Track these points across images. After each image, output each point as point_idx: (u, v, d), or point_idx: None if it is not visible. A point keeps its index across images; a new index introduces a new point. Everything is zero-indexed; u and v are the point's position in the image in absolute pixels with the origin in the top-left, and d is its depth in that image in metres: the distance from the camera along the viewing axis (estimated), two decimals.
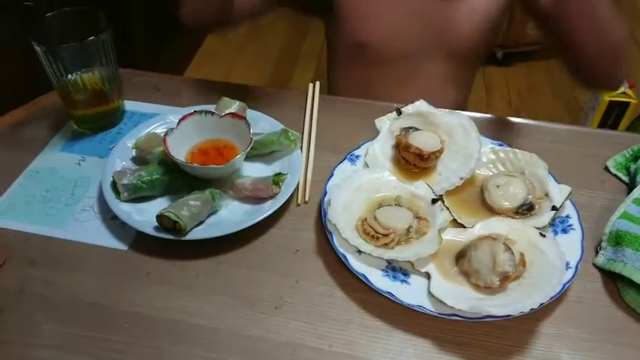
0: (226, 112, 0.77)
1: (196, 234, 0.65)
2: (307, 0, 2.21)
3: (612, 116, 1.93)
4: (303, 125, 0.84)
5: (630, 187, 0.75)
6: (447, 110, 0.78)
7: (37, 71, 0.92)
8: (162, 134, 0.72)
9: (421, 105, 0.79)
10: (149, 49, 2.11)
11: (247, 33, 2.78)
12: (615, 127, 1.95)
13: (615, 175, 0.78)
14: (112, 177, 0.70)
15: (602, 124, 1.96)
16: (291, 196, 0.71)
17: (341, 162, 0.75)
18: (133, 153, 0.76)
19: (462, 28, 0.91)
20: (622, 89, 1.90)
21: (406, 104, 0.80)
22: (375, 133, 0.79)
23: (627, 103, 1.89)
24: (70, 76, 0.78)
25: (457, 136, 0.75)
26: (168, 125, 0.80)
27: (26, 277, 0.63)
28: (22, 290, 0.62)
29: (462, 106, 1.04)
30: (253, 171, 0.74)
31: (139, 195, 0.69)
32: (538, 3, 0.79)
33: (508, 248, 0.60)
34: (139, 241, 0.67)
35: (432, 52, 0.94)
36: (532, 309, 0.55)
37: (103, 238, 0.68)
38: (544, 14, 0.79)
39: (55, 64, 0.76)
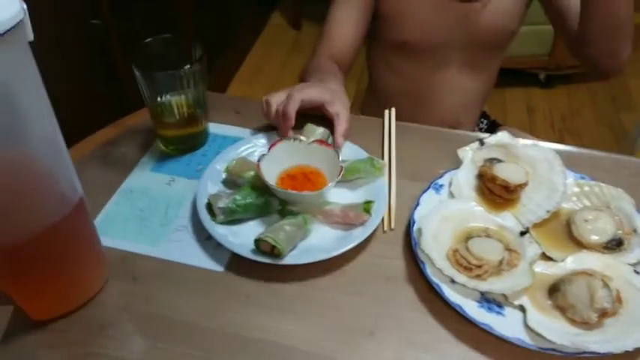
0: (312, 139, 0.79)
1: (292, 259, 0.67)
2: None
3: None
4: (382, 152, 0.86)
5: None
6: (530, 143, 0.79)
7: (117, 92, 0.95)
8: (256, 160, 0.74)
9: (503, 136, 0.80)
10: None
11: (289, 49, 2.83)
12: None
13: None
14: (208, 199, 0.72)
15: None
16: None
17: (425, 191, 0.76)
18: (223, 176, 0.79)
19: (488, 22, 1.02)
20: None
21: (488, 134, 0.81)
22: (454, 161, 0.81)
23: None
24: (161, 98, 0.82)
25: (540, 168, 0.77)
26: (254, 149, 0.83)
27: (129, 293, 0.66)
28: (125, 307, 0.65)
29: (484, 95, 1.17)
30: (338, 197, 0.76)
31: (233, 218, 0.72)
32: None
33: (606, 285, 0.60)
34: (235, 263, 0.69)
35: (461, 44, 1.06)
36: (636, 348, 0.56)
37: (198, 258, 0.70)
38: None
39: (150, 87, 0.79)
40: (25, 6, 0.47)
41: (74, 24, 1.47)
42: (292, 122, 0.80)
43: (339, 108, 0.82)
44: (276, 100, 0.84)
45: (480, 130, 1.25)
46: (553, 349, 0.58)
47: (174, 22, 1.92)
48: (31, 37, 0.48)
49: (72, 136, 0.86)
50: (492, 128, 1.25)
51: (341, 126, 0.81)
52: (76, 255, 0.61)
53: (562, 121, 2.41)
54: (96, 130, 0.91)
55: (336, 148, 0.79)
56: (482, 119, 1.27)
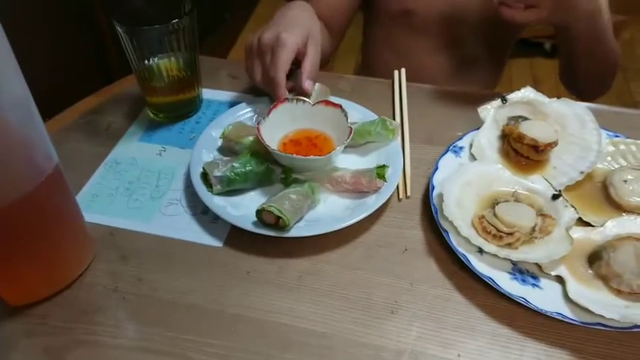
0: (316, 100, 0.71)
1: (298, 231, 0.60)
2: None
3: None
4: (394, 115, 0.78)
5: None
6: (558, 99, 0.72)
7: (103, 63, 0.87)
8: (255, 123, 0.67)
9: (528, 92, 0.72)
10: None
11: None
12: None
13: None
14: (203, 168, 0.65)
15: None
16: None
17: (444, 154, 0.69)
18: (219, 143, 0.71)
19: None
20: None
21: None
22: (472, 122, 0.73)
23: None
24: (149, 61, 0.74)
25: (571, 126, 0.69)
26: (253, 113, 0.76)
27: (118, 274, 0.59)
28: (115, 289, 0.58)
29: (495, 81, 1.06)
30: (348, 163, 0.69)
31: (231, 188, 0.64)
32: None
33: None
34: (235, 238, 0.62)
35: (473, 23, 0.93)
36: None
37: (194, 233, 0.63)
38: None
39: (136, 47, 0.71)
40: None
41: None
42: (284, 90, 0.69)
43: (308, 45, 0.71)
44: (258, 60, 0.72)
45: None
46: (599, 324, 0.51)
47: None
48: None
49: (54, 107, 0.78)
50: None
51: (306, 66, 0.71)
52: (55, 230, 0.54)
53: (569, 92, 2.33)
54: (80, 99, 0.83)
55: (300, 92, 0.71)
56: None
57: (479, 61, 1.00)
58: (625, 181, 0.63)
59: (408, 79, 0.84)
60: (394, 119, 0.77)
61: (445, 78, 1.00)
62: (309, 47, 0.72)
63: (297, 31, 0.70)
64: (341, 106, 0.69)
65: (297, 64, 0.72)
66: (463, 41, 0.96)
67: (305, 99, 0.71)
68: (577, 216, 0.60)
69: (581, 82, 0.92)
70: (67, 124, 0.78)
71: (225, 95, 0.83)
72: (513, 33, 1.01)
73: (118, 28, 0.69)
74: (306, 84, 0.71)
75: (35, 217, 0.51)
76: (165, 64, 0.75)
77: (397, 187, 0.67)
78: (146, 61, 0.74)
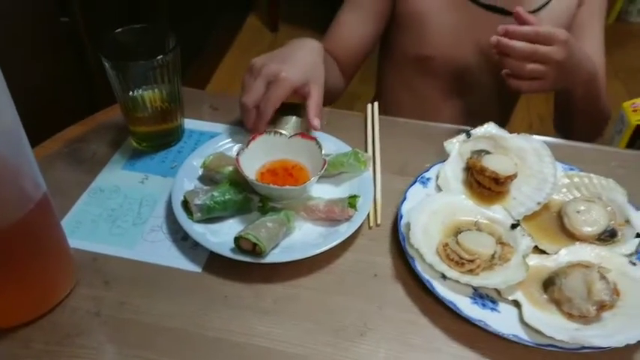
0: (292, 132, 0.76)
1: (274, 257, 0.64)
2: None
3: (639, 140, 1.92)
4: (366, 146, 0.83)
5: None
6: (518, 134, 0.77)
7: (87, 91, 0.89)
8: (235, 154, 0.71)
9: (491, 128, 0.78)
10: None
11: (266, 51, 2.79)
12: None
13: None
14: (184, 196, 0.68)
15: (629, 147, 1.95)
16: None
17: (412, 184, 0.74)
18: (200, 172, 0.75)
19: None
20: None
21: (471, 127, 0.79)
22: (439, 154, 0.78)
23: None
24: (134, 92, 0.77)
25: (529, 160, 0.74)
26: (232, 144, 0.79)
27: (101, 298, 0.62)
28: (98, 313, 0.60)
29: (506, 120, 1.09)
30: (322, 192, 0.73)
31: (211, 216, 0.68)
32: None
33: (603, 277, 0.58)
34: (213, 263, 0.65)
35: (492, 70, 0.95)
36: (639, 340, 0.53)
37: (175, 259, 0.66)
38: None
39: (121, 80, 0.75)
40: None
41: (43, 22, 1.42)
42: (265, 125, 0.75)
43: (311, 87, 0.75)
44: (255, 84, 0.75)
45: None
46: (551, 345, 0.55)
47: (148, 22, 1.87)
48: None
49: (41, 135, 0.81)
50: None
51: (311, 106, 0.75)
52: (40, 255, 0.56)
53: (540, 123, 2.42)
54: (65, 127, 0.86)
55: (311, 130, 0.75)
56: None
57: (493, 102, 1.02)
58: (578, 212, 0.68)
59: (421, 119, 0.88)
60: (367, 151, 0.82)
61: (458, 118, 1.02)
62: (312, 89, 0.75)
63: (299, 73, 0.74)
64: (316, 139, 0.73)
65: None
66: (479, 86, 0.99)
67: (282, 131, 0.75)
68: (533, 244, 0.64)
69: (575, 133, 0.98)
70: (53, 151, 0.80)
71: (206, 125, 0.86)
72: None
73: (105, 63, 0.73)
74: (315, 122, 0.75)
75: (23, 244, 0.54)
76: (149, 95, 0.78)
77: (368, 215, 0.71)
78: (131, 93, 0.77)
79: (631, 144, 2.00)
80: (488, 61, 0.95)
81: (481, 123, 0.79)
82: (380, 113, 0.87)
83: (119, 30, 0.76)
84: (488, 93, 1.00)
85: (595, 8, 0.97)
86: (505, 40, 0.75)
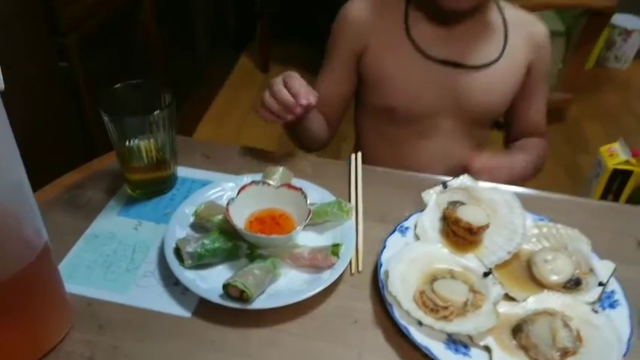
0: (280, 183, 0.80)
1: (260, 303, 0.67)
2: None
3: (616, 184, 1.99)
4: (349, 195, 0.88)
5: None
6: (490, 186, 0.82)
7: (85, 135, 0.92)
8: (225, 203, 0.75)
9: (466, 180, 0.83)
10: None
11: (257, 91, 2.87)
12: (619, 194, 2.01)
13: None
14: (176, 244, 0.72)
15: (606, 191, 2.02)
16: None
17: (392, 233, 0.78)
18: (191, 220, 0.79)
19: (476, 96, 1.02)
20: (626, 158, 1.97)
21: (451, 177, 0.84)
22: (418, 203, 0.83)
23: (631, 172, 1.95)
24: (130, 142, 0.82)
25: (501, 211, 0.79)
26: (223, 192, 0.84)
27: (95, 343, 0.65)
28: (91, 358, 0.63)
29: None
30: (307, 240, 0.77)
31: (201, 262, 0.72)
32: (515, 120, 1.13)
33: (566, 324, 0.62)
34: (202, 309, 0.69)
35: (450, 113, 1.04)
36: None
37: (166, 304, 0.70)
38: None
39: (119, 132, 0.79)
40: None
41: (41, 66, 1.47)
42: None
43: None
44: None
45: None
46: None
47: (142, 64, 1.93)
48: (1, 86, 0.49)
49: (38, 180, 0.85)
50: None
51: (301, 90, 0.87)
52: (38, 303, 0.60)
53: None
54: (63, 173, 0.90)
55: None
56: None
57: (458, 144, 1.09)
58: (545, 261, 0.72)
59: (395, 163, 0.97)
60: (350, 199, 0.87)
61: (427, 161, 1.09)
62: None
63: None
64: (301, 190, 0.78)
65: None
66: (442, 129, 1.07)
67: (270, 182, 0.80)
68: (504, 292, 0.69)
69: None
70: (52, 197, 0.84)
71: (197, 173, 0.91)
72: (488, 122, 1.12)
73: (104, 117, 0.78)
74: (303, 100, 0.85)
75: (23, 293, 0.57)
76: (144, 145, 0.83)
77: (350, 262, 0.76)
78: (127, 143, 0.82)
79: (608, 187, 2.07)
80: (447, 108, 1.04)
81: (451, 163, 0.85)
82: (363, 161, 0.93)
83: (118, 85, 0.81)
84: (452, 135, 1.07)
85: (541, 77, 1.09)
86: None
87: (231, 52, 3.06)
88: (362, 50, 1.03)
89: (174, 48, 2.19)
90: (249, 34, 3.30)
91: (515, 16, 1.04)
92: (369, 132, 1.15)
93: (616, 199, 2.07)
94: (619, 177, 1.99)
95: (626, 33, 3.12)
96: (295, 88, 0.85)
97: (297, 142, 1.08)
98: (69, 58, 1.49)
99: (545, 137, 1.18)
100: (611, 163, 1.97)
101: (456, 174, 0.94)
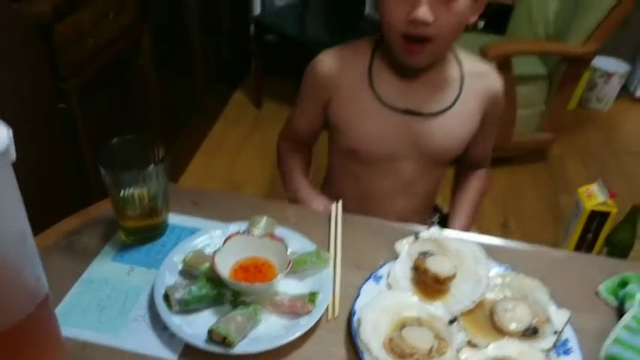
0: (264, 232, 0.87)
1: (241, 348, 0.73)
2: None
3: (594, 224, 2.06)
4: (329, 242, 0.94)
5: (619, 311, 0.85)
6: (458, 237, 0.89)
7: (81, 176, 0.98)
8: (211, 253, 0.81)
9: (436, 232, 0.90)
10: (162, 136, 2.24)
11: (251, 125, 2.95)
12: (597, 235, 2.08)
13: (606, 300, 0.88)
14: (166, 291, 0.78)
15: (585, 231, 2.09)
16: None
17: (366, 281, 0.84)
18: (180, 267, 0.85)
19: (434, 141, 1.11)
20: (603, 199, 2.05)
21: (425, 227, 0.91)
22: (393, 252, 0.90)
23: (608, 213, 2.03)
24: (125, 192, 0.88)
25: (467, 262, 0.86)
26: (210, 241, 0.90)
27: None
28: None
29: (433, 195, 1.29)
30: (287, 287, 0.83)
31: (188, 308, 0.77)
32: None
33: None
34: (188, 352, 0.74)
35: (410, 156, 1.14)
36: None
37: (155, 347, 0.75)
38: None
39: (115, 183, 0.86)
40: (10, 133, 0.54)
41: (41, 107, 1.54)
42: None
43: None
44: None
45: (433, 223, 1.32)
46: None
47: (140, 103, 2.00)
48: (13, 157, 0.55)
49: (34, 219, 0.91)
50: (444, 222, 1.32)
51: None
52: (37, 352, 0.65)
53: (506, 201, 2.56)
54: (59, 216, 0.96)
55: None
56: (435, 212, 1.36)
57: (419, 182, 1.18)
58: (506, 310, 0.79)
59: (359, 196, 1.07)
60: (329, 246, 0.93)
61: (391, 196, 1.19)
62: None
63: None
64: (282, 240, 0.84)
65: None
66: (404, 170, 1.16)
67: (254, 232, 0.86)
68: (467, 339, 0.75)
69: None
70: (49, 243, 0.90)
71: (187, 220, 0.97)
72: (443, 166, 1.22)
73: (102, 170, 0.84)
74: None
75: (22, 341, 0.62)
76: (138, 194, 0.89)
77: (327, 308, 0.81)
78: (122, 192, 0.88)
79: (586, 228, 2.15)
80: (407, 151, 1.13)
81: (412, 199, 1.06)
82: (329, 190, 1.01)
83: (114, 140, 0.88)
84: (412, 174, 1.17)
85: (493, 124, 1.20)
86: None
87: (227, 86, 3.16)
88: (328, 99, 1.13)
89: (172, 84, 2.27)
90: (245, 68, 3.40)
91: (473, 66, 1.13)
92: (337, 166, 1.25)
93: (594, 239, 2.14)
94: (597, 218, 2.07)
95: (607, 76, 3.24)
96: None
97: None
98: (68, 100, 1.56)
99: (487, 165, 1.31)
100: (589, 205, 2.05)
101: (416, 208, 1.05)
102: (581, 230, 2.07)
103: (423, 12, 0.92)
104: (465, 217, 1.21)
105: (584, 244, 2.12)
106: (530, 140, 2.71)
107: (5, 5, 1.37)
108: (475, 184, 1.27)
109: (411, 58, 1.01)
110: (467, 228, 1.18)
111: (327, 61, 1.12)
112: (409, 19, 0.94)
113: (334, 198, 1.24)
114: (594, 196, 2.08)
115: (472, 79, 1.11)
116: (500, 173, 2.73)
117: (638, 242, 2.19)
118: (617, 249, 2.04)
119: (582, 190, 2.13)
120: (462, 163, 1.29)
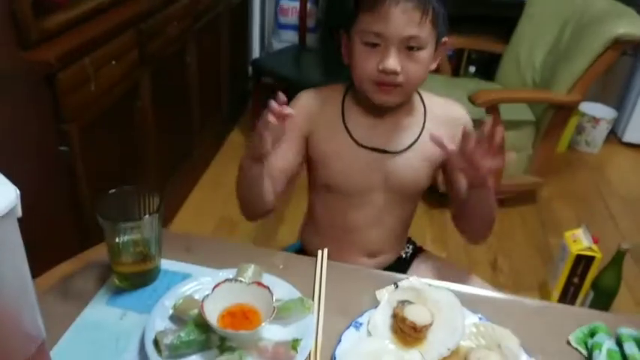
0: (251, 279, 0.92)
1: None
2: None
3: (580, 268, 2.11)
4: (314, 289, 0.98)
5: None
6: (436, 286, 0.94)
7: (79, 217, 1.01)
8: (200, 299, 0.86)
9: (414, 281, 0.95)
10: (160, 173, 2.30)
11: None
12: (583, 279, 2.12)
13: (577, 349, 0.92)
14: (155, 336, 0.82)
15: (572, 275, 2.14)
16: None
17: (347, 328, 0.89)
18: (170, 312, 0.89)
19: (402, 175, 1.20)
20: (588, 244, 2.10)
21: (405, 277, 0.96)
22: (374, 299, 0.94)
23: (593, 258, 2.08)
24: (120, 238, 0.93)
25: (444, 310, 0.90)
26: (200, 287, 0.94)
27: None
28: None
29: (406, 227, 1.34)
30: (272, 332, 0.87)
31: (177, 353, 0.81)
32: (456, 185, 1.20)
33: None
34: None
35: (381, 190, 1.22)
36: None
37: None
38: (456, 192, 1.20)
39: (112, 231, 0.91)
40: (18, 192, 0.59)
41: (43, 149, 1.60)
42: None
43: None
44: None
45: (406, 254, 1.38)
46: None
47: (137, 141, 2.06)
48: (19, 214, 0.60)
49: (35, 263, 0.95)
50: (416, 253, 1.39)
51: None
52: None
53: (496, 242, 2.61)
54: (59, 256, 1.01)
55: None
56: (408, 245, 1.41)
57: (391, 214, 1.26)
58: (479, 359, 0.83)
59: (334, 227, 1.13)
60: (314, 292, 0.97)
61: (366, 227, 1.25)
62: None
63: None
64: (268, 288, 0.89)
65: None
66: (375, 203, 1.24)
67: (242, 279, 0.91)
68: None
69: (471, 234, 1.26)
70: (46, 287, 0.95)
71: (179, 266, 1.02)
72: (412, 198, 1.29)
73: (99, 219, 0.89)
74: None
75: None
76: (133, 240, 0.94)
77: (310, 353, 0.85)
78: (117, 239, 0.93)
79: (573, 271, 2.19)
80: (377, 186, 1.21)
81: (383, 230, 1.14)
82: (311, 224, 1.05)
83: (112, 191, 0.93)
84: (384, 207, 1.24)
85: None
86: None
87: (224, 125, 3.23)
88: (309, 134, 1.21)
89: (170, 124, 2.34)
90: (242, 109, 3.49)
91: (436, 102, 1.23)
92: (315, 200, 1.33)
93: (581, 283, 2.18)
94: (583, 262, 2.12)
95: (595, 120, 3.33)
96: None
97: (245, 200, 1.18)
98: (69, 142, 1.62)
99: None
100: (575, 249, 2.10)
101: (389, 239, 1.15)
102: (567, 274, 2.12)
103: (391, 63, 1.03)
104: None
105: (571, 288, 2.17)
106: (519, 183, 2.78)
107: (12, 52, 1.45)
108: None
109: (384, 98, 1.11)
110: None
111: (309, 99, 1.22)
112: (379, 69, 1.05)
113: (315, 229, 1.34)
114: (579, 240, 2.13)
115: (434, 111, 1.21)
116: None
117: (625, 286, 2.23)
118: (604, 293, 2.08)
119: (568, 235, 2.18)
120: (455, 202, 1.27)
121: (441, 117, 1.21)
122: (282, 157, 1.21)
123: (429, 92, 1.23)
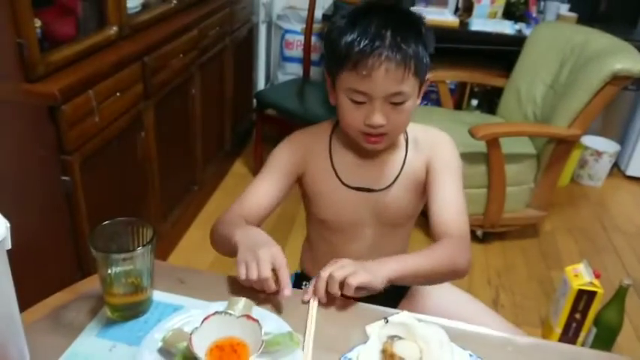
0: (241, 312, 0.92)
1: None
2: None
3: (582, 303, 2.09)
4: (305, 326, 0.98)
5: None
6: (425, 322, 0.94)
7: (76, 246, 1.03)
8: (190, 332, 0.86)
9: (405, 316, 0.94)
10: (161, 204, 2.32)
11: None
12: (585, 315, 2.10)
13: None
14: None
15: (574, 310, 2.11)
16: None
17: None
18: (159, 345, 0.89)
19: (389, 209, 1.25)
20: (589, 279, 2.08)
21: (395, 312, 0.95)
22: (364, 334, 0.94)
23: (594, 293, 2.06)
24: (112, 270, 0.94)
25: (433, 346, 0.90)
26: (190, 319, 0.95)
27: None
28: None
29: (402, 251, 1.34)
30: None
31: None
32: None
33: None
34: None
35: (371, 224, 1.28)
36: None
37: None
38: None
39: (105, 263, 0.92)
40: (8, 225, 0.61)
41: (46, 179, 1.62)
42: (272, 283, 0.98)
43: (280, 264, 1.00)
44: (250, 272, 0.98)
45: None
46: None
47: (140, 173, 2.09)
48: (9, 246, 0.62)
49: (32, 291, 0.96)
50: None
51: (283, 278, 0.99)
52: None
53: (498, 277, 2.59)
54: (56, 287, 1.01)
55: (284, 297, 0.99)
56: None
57: (383, 244, 1.30)
58: None
59: (330, 258, 1.11)
60: (305, 327, 0.97)
61: (359, 258, 1.20)
62: (281, 264, 0.99)
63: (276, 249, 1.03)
64: (258, 321, 0.89)
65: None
66: (367, 236, 1.29)
67: (231, 312, 0.91)
68: None
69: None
70: (38, 318, 0.95)
71: (171, 297, 1.02)
72: (402, 230, 1.33)
73: (92, 251, 0.90)
74: (287, 292, 0.98)
75: None
76: (125, 271, 0.95)
77: None
78: (110, 270, 0.94)
79: (575, 306, 2.17)
80: (367, 221, 1.27)
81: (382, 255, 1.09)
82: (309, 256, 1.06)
83: (106, 222, 0.95)
84: (376, 238, 1.29)
85: (439, 171, 1.22)
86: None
87: (226, 157, 3.26)
88: (302, 173, 1.27)
89: (172, 156, 2.37)
90: (245, 140, 3.53)
91: (418, 130, 1.26)
92: (312, 232, 1.39)
93: (583, 318, 2.16)
94: (584, 297, 2.10)
95: (597, 154, 3.34)
96: (284, 281, 0.99)
97: (222, 252, 1.21)
98: (71, 173, 1.64)
99: (456, 237, 1.18)
100: (576, 284, 2.09)
101: None
102: (569, 309, 2.10)
103: (377, 119, 1.09)
104: (382, 262, 1.08)
105: (573, 324, 2.14)
106: (521, 217, 2.77)
107: (17, 85, 1.49)
108: (427, 248, 1.15)
109: (371, 146, 1.16)
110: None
111: (301, 141, 1.28)
112: (366, 124, 1.10)
113: (313, 259, 1.38)
114: (581, 275, 2.11)
115: (415, 139, 1.25)
116: (491, 248, 2.77)
117: (628, 322, 2.20)
118: (607, 329, 2.05)
119: (569, 269, 2.17)
120: (431, 234, 1.23)
121: (421, 144, 1.25)
122: (266, 194, 1.26)
123: (411, 122, 1.23)
